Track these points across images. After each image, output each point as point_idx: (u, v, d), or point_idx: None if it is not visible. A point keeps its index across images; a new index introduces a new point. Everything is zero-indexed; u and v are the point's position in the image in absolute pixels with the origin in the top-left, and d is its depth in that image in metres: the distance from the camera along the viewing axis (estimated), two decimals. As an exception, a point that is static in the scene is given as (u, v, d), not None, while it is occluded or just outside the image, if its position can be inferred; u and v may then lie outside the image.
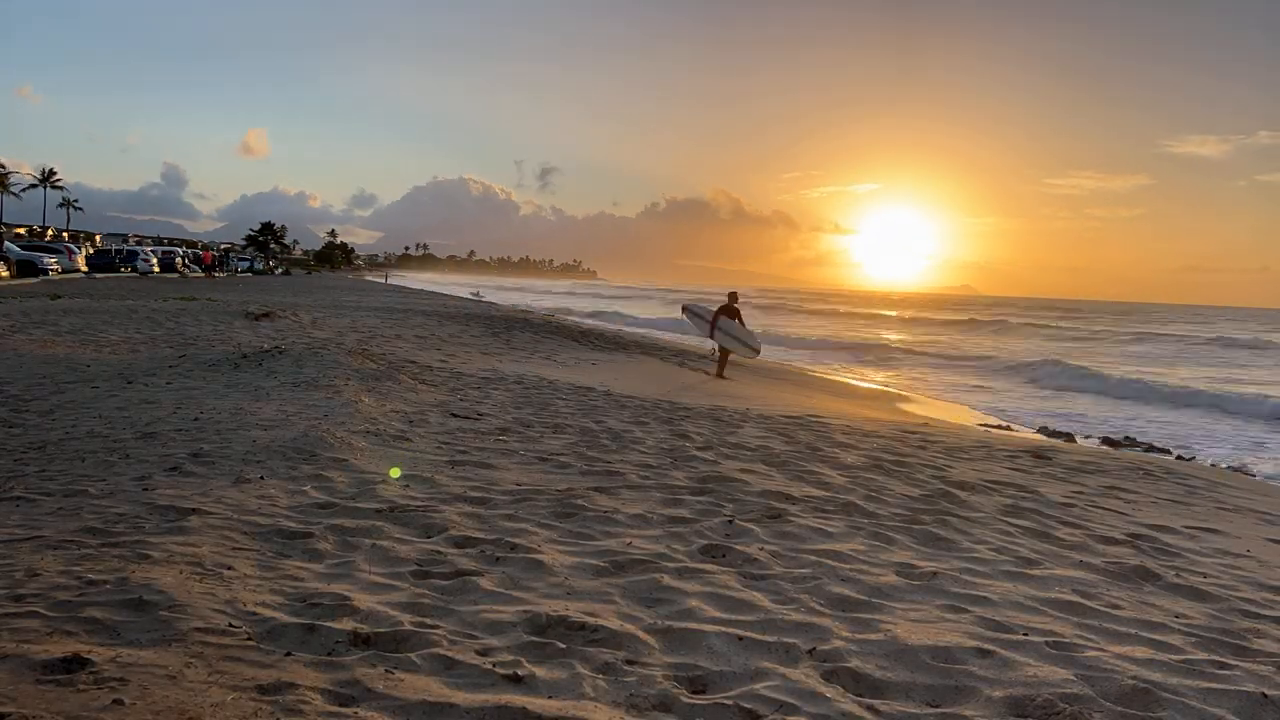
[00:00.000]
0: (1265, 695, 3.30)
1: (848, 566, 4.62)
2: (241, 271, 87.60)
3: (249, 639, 3.25)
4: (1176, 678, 3.44)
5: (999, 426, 14.43)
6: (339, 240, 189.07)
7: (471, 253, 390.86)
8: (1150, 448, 13.17)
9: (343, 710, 2.81)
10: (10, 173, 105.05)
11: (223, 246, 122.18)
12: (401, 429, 7.77)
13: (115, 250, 62.00)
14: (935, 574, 4.57)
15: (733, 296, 17.96)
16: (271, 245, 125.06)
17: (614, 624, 3.62)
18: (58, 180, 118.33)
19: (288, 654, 3.18)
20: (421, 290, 62.24)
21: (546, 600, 3.89)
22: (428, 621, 3.57)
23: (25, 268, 40.79)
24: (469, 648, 3.34)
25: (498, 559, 4.42)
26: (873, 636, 3.68)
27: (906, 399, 18.87)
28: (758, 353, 18.21)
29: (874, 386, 21.59)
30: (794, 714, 2.98)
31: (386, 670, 3.10)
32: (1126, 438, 14.20)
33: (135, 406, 8.29)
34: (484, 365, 14.50)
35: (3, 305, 19.91)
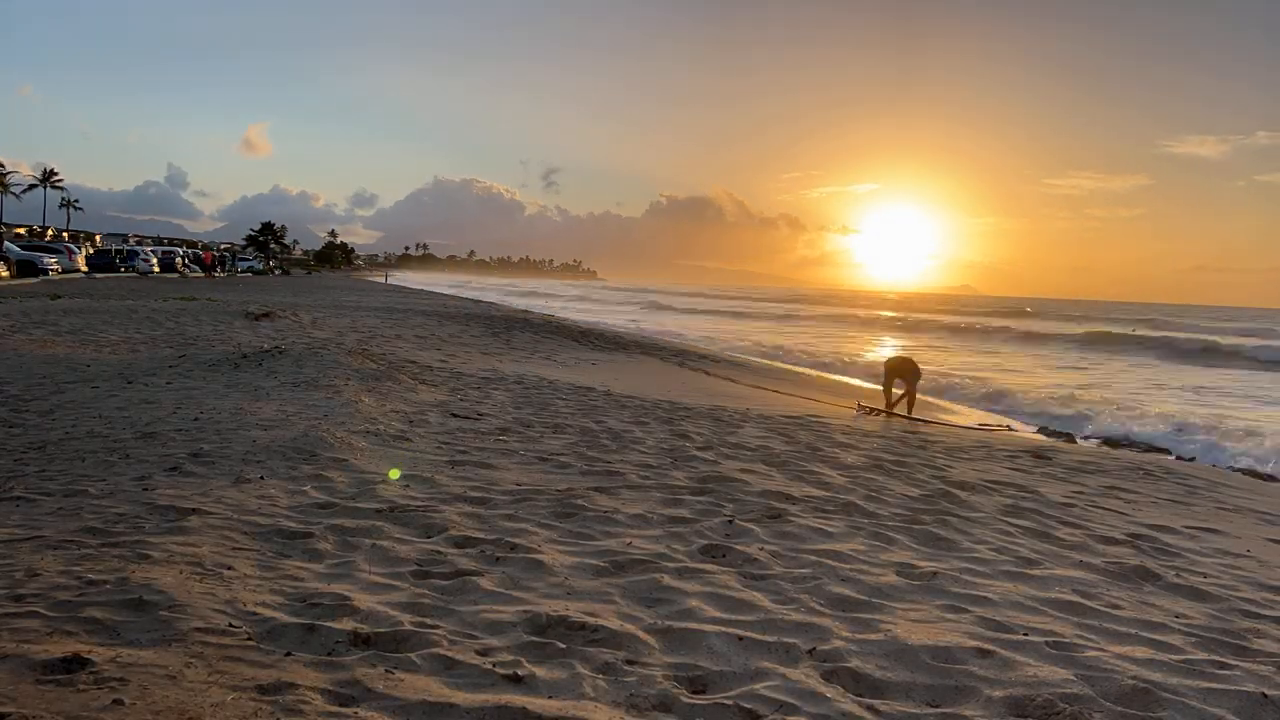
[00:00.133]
0: (1265, 695, 3.30)
1: (848, 566, 4.62)
2: (241, 271, 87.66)
3: (249, 639, 3.25)
4: (1176, 678, 3.44)
5: (999, 427, 14.43)
6: (339, 240, 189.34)
7: (471, 253, 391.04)
8: (1150, 448, 13.17)
9: (343, 710, 2.81)
10: (10, 173, 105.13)
11: (223, 247, 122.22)
12: (401, 429, 7.77)
13: (115, 250, 62.09)
14: (935, 574, 4.57)
15: (904, 361, 14.40)
16: (271, 245, 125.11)
17: (614, 624, 3.62)
18: (58, 180, 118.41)
19: (288, 654, 3.18)
20: (421, 290, 62.26)
21: (546, 600, 3.89)
22: (428, 621, 3.57)
23: (25, 268, 40.84)
24: (469, 648, 3.34)
25: (498, 559, 4.42)
26: (873, 636, 3.68)
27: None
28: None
29: (874, 387, 21.56)
30: (794, 714, 2.98)
31: (386, 670, 3.10)
32: (1126, 438, 14.20)
33: (135, 406, 8.29)
34: (484, 365, 14.51)
35: (3, 305, 19.91)
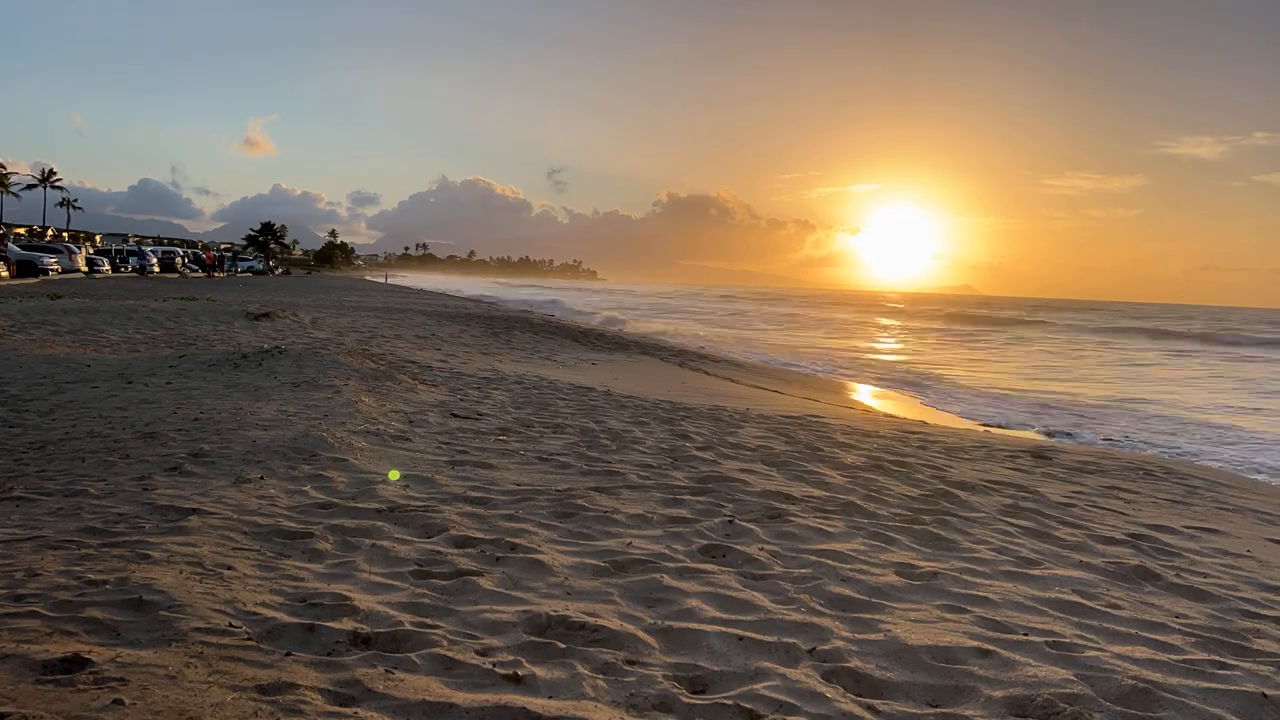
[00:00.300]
0: (1265, 695, 3.30)
1: (848, 566, 4.61)
2: (242, 271, 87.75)
3: (249, 639, 3.25)
4: (1176, 678, 3.44)
5: (999, 426, 14.43)
6: (340, 240, 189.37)
7: (471, 253, 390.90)
8: (1149, 447, 13.16)
9: (343, 710, 2.81)
10: (10, 173, 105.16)
11: (223, 247, 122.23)
12: (401, 429, 7.77)
13: (115, 250, 62.21)
14: (935, 574, 4.57)
15: None
16: (272, 245, 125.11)
17: (614, 624, 3.62)
18: (57, 180, 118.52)
19: (288, 654, 3.18)
20: (422, 290, 62.16)
21: (546, 600, 3.89)
22: (428, 621, 3.57)
23: (25, 268, 40.85)
24: (469, 648, 3.34)
25: (498, 559, 4.42)
26: (873, 636, 3.68)
27: (907, 400, 18.86)
28: None
29: (875, 388, 21.58)
30: (794, 714, 2.98)
31: (386, 670, 3.10)
32: (1126, 438, 14.19)
33: (135, 406, 8.29)
34: (484, 365, 14.51)
35: (3, 305, 19.91)
